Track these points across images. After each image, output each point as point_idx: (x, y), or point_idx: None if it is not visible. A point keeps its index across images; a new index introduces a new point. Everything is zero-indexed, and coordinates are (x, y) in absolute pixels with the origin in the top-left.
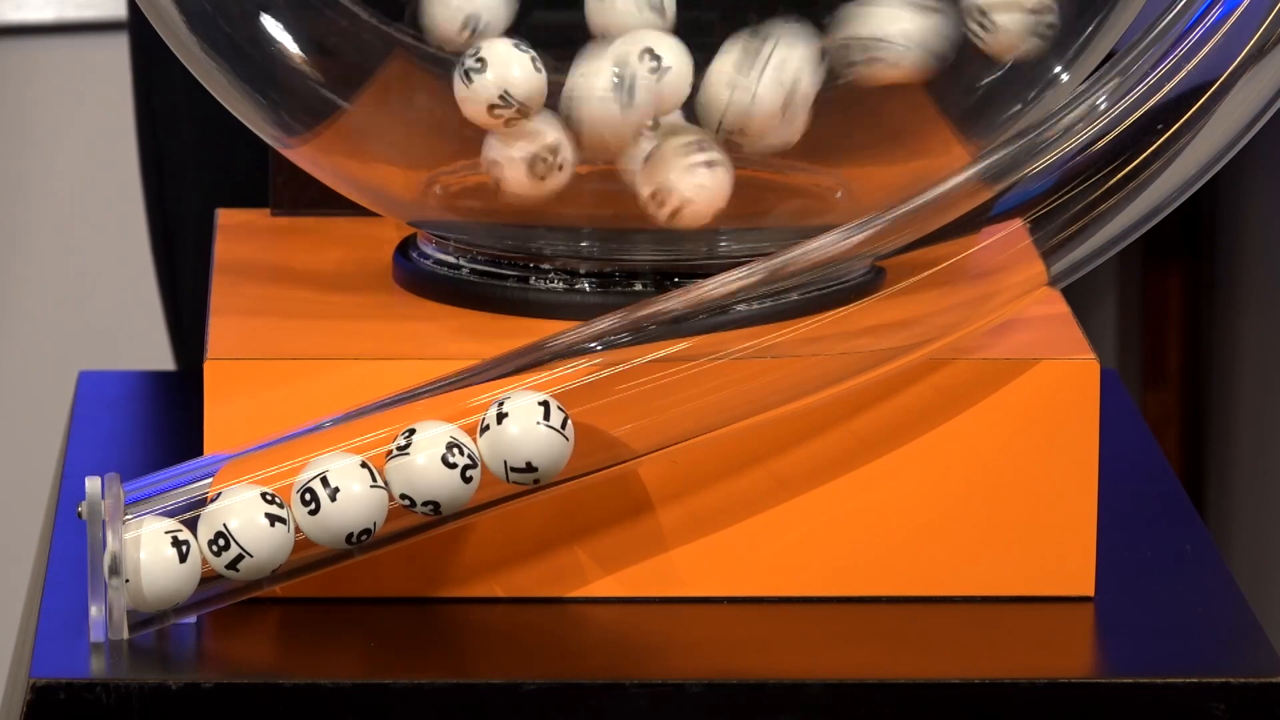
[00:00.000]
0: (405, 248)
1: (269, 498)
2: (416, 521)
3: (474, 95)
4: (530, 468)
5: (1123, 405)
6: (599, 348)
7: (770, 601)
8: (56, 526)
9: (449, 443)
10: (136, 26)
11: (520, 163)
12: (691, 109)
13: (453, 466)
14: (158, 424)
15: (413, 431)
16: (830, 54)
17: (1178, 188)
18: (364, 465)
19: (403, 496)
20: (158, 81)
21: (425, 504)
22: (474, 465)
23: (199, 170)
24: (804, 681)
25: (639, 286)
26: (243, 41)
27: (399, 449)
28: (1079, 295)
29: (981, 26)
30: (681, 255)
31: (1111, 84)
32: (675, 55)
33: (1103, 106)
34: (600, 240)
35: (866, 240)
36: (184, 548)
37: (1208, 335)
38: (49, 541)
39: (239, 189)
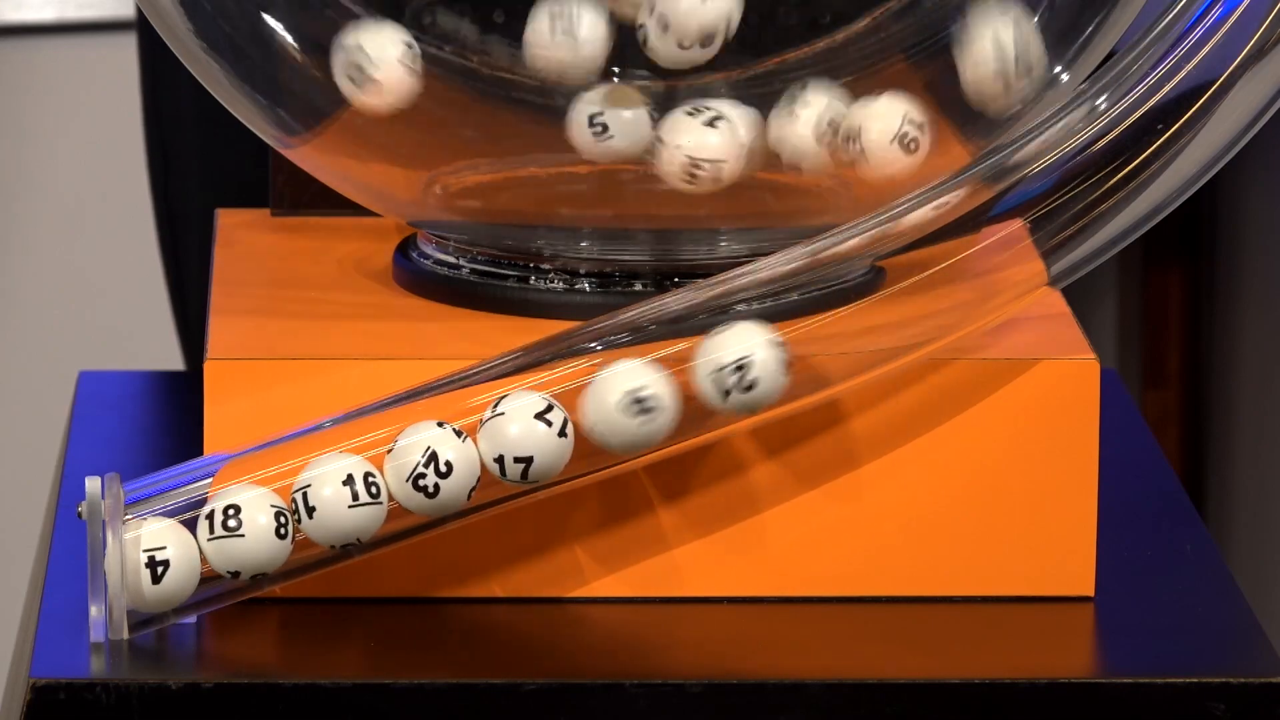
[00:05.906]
0: (405, 248)
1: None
2: (415, 522)
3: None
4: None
5: (1123, 405)
6: (599, 348)
7: (770, 601)
8: (56, 526)
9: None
10: (145, 26)
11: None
12: None
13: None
14: (158, 424)
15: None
16: None
17: (1178, 188)
18: (346, 483)
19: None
20: (164, 80)
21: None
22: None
23: (205, 169)
24: (804, 681)
25: (639, 286)
26: (243, 41)
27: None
28: (1079, 295)
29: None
30: (681, 255)
31: (1111, 84)
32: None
33: (1103, 106)
34: (600, 240)
35: (866, 240)
36: (160, 568)
37: (1208, 335)
38: (49, 541)
39: (245, 188)
